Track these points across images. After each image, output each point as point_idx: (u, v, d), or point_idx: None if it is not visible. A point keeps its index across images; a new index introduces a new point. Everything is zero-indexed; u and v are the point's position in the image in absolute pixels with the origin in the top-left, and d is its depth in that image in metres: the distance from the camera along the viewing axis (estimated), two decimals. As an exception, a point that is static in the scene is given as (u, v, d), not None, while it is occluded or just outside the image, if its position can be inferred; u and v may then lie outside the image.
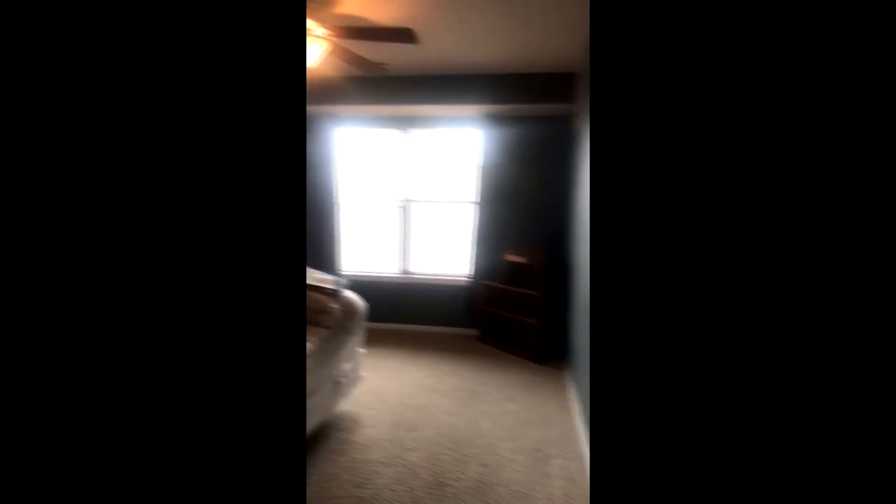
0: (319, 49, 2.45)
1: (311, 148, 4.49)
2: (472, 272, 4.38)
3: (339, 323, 2.59)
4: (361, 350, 2.92)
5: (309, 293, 2.58)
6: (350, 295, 2.77)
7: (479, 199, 4.26)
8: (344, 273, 4.58)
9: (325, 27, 2.41)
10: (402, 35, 2.41)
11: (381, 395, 3.10)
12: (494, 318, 4.29)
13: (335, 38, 2.49)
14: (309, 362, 2.23)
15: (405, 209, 4.60)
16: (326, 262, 4.52)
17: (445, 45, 3.21)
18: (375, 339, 4.18)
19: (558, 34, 2.93)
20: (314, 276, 2.79)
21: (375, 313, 4.49)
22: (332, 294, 2.67)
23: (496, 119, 4.13)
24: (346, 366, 2.69)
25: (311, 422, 2.30)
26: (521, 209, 4.25)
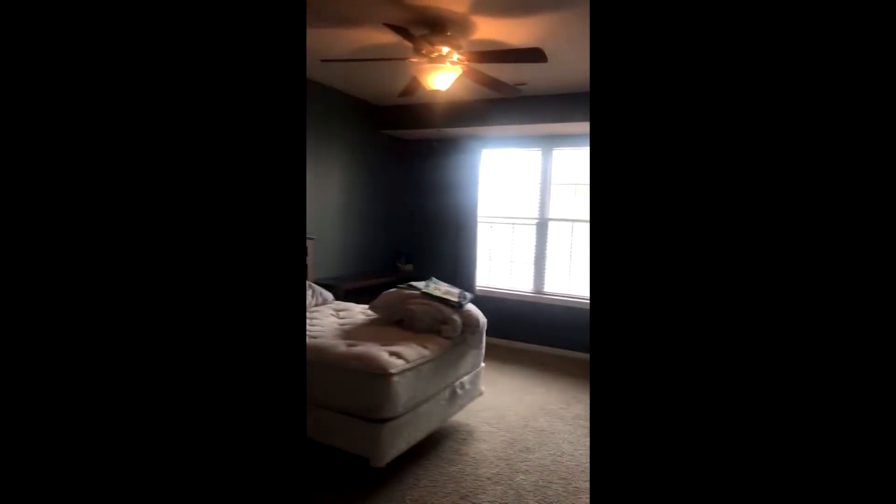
0: (453, 75, 2.60)
1: (457, 168, 4.74)
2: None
3: (460, 335, 2.67)
4: (482, 364, 2.95)
5: (432, 303, 2.71)
6: (472, 308, 2.84)
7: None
8: (479, 288, 4.69)
9: (459, 53, 2.55)
10: (532, 55, 2.44)
11: (500, 411, 3.09)
12: (634, 347, 3.96)
13: (469, 63, 2.62)
14: (425, 369, 2.34)
15: (542, 227, 4.55)
16: (464, 278, 4.68)
17: (580, 64, 3.14)
18: (503, 356, 4.18)
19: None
20: (441, 288, 2.92)
21: (506, 330, 4.51)
22: (456, 307, 2.76)
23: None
24: (465, 378, 2.75)
25: (425, 428, 2.40)
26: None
